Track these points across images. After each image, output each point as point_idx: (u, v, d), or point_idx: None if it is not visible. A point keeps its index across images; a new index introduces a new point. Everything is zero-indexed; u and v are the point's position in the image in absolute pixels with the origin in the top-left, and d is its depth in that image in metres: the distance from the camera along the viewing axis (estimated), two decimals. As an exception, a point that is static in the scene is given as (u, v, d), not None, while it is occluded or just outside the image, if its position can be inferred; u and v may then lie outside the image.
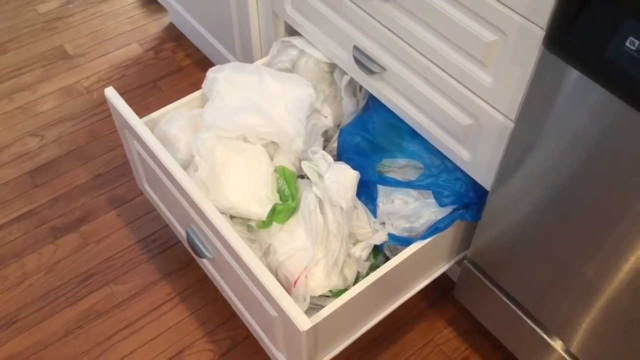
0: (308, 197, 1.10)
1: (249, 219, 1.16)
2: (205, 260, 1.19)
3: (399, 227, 1.11)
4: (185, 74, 1.85)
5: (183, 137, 1.21)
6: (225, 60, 1.67)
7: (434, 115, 1.05)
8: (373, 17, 1.05)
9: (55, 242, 1.47)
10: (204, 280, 1.39)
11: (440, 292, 1.36)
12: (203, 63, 1.87)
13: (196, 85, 1.80)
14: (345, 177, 1.05)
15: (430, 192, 1.11)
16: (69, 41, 1.95)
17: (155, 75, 1.85)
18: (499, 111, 0.92)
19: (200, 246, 1.13)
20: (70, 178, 1.60)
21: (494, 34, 0.86)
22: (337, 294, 1.10)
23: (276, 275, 1.09)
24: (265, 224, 1.12)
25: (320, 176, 1.09)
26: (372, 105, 1.22)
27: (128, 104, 1.20)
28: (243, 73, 1.21)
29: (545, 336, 1.05)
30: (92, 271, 1.42)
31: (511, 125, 0.91)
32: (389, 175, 1.14)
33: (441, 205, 1.08)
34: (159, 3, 2.03)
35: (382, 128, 1.17)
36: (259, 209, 1.14)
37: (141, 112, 1.28)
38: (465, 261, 1.16)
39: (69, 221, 1.51)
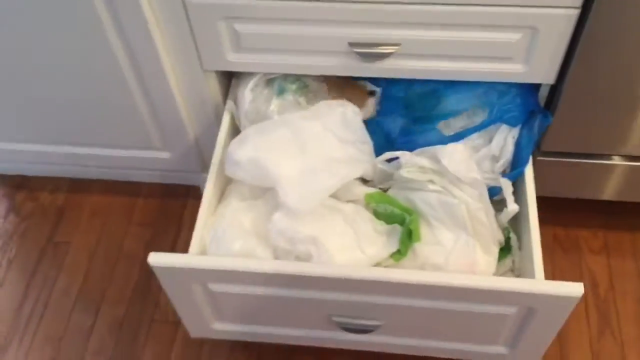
0: (427, 198, 1.03)
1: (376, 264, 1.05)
2: (364, 336, 1.06)
3: (494, 169, 1.11)
4: (72, 208, 1.52)
5: (253, 243, 1.02)
6: (135, 160, 1.39)
7: (473, 53, 1.04)
8: (372, 2, 0.98)
9: None
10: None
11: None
12: (78, 186, 1.55)
13: (95, 210, 1.51)
14: (458, 153, 1.00)
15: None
16: None
17: (43, 235, 1.48)
18: (559, 7, 0.95)
19: (365, 322, 1.00)
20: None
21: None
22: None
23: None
24: (403, 252, 1.03)
25: (428, 172, 1.03)
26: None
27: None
28: (271, 133, 1.04)
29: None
30: None
31: (575, 12, 0.95)
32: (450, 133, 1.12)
33: (515, 125, 1.10)
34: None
35: (413, 99, 1.12)
36: (376, 248, 1.04)
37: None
38: (538, 157, 1.21)
39: None
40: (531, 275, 0.96)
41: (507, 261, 1.09)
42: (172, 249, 1.43)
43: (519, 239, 1.09)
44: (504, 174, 1.11)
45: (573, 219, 1.41)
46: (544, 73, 1.06)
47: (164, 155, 1.36)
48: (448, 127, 1.12)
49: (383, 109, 1.13)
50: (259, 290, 0.99)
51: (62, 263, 1.42)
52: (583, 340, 1.25)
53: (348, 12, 1.00)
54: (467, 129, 1.10)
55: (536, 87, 1.13)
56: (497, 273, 1.09)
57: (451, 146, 1.02)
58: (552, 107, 1.13)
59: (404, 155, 1.05)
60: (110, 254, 1.43)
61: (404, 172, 1.04)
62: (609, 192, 1.27)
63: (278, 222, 1.01)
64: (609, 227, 1.39)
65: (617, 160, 1.19)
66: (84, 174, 1.52)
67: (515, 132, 1.11)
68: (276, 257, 1.02)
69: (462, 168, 1.00)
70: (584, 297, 1.31)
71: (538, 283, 0.89)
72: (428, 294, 0.93)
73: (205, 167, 1.40)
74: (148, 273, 1.40)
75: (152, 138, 1.32)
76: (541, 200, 1.28)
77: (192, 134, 1.30)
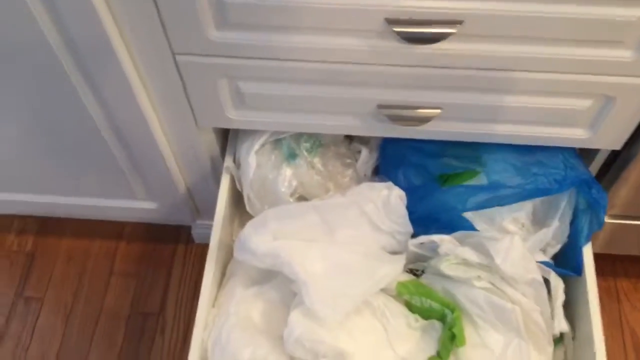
0: (472, 295, 0.86)
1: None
2: None
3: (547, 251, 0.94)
4: (44, 255, 1.32)
5: (266, 349, 0.85)
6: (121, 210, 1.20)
7: (530, 118, 0.86)
8: (411, 66, 0.78)
9: None
10: None
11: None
12: (49, 226, 1.35)
13: (71, 256, 1.32)
14: (516, 249, 0.83)
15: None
16: None
17: (10, 289, 1.28)
18: (645, 76, 0.77)
19: None
20: None
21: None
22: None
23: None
24: (444, 357, 0.86)
25: (475, 266, 0.86)
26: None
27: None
28: (296, 219, 0.87)
29: None
30: None
31: (664, 79, 0.78)
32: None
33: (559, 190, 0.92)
34: None
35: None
36: (410, 346, 0.88)
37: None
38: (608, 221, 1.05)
39: None
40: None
41: (559, 353, 0.95)
42: (162, 308, 1.25)
43: (574, 327, 0.95)
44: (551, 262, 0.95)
45: (612, 268, 1.26)
46: (611, 140, 0.89)
47: (150, 205, 1.17)
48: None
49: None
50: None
51: (35, 324, 1.24)
52: (627, 414, 1.14)
53: (379, 75, 0.81)
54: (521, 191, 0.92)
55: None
56: (548, 369, 0.95)
57: (507, 241, 0.84)
58: (611, 172, 0.96)
59: (442, 241, 0.88)
60: (90, 313, 1.25)
61: (444, 268, 0.87)
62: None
63: (295, 327, 0.84)
64: (652, 277, 1.26)
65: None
66: (58, 214, 1.32)
67: (569, 212, 0.94)
68: (294, 367, 0.86)
69: (521, 269, 0.83)
70: (627, 363, 1.18)
71: None
72: None
73: (199, 214, 1.22)
74: (135, 335, 1.24)
75: (135, 190, 1.12)
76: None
77: (184, 185, 1.11)
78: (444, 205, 0.92)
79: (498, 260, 0.83)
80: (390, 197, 0.91)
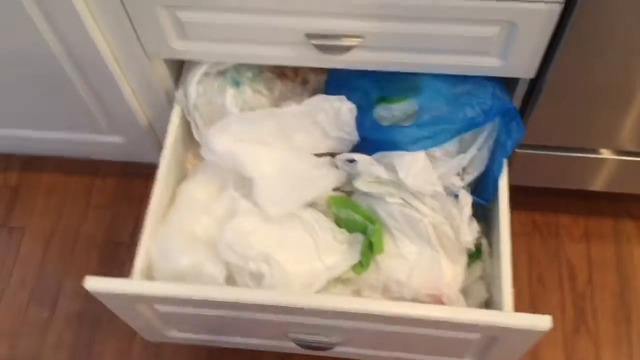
0: (389, 209, 0.95)
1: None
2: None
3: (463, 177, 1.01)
4: (27, 189, 1.43)
5: (203, 257, 0.95)
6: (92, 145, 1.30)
7: (445, 47, 0.93)
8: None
9: None
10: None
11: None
12: (31, 163, 1.46)
13: (51, 190, 1.43)
14: (418, 163, 0.91)
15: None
16: None
17: (-3, 217, 1.40)
18: (540, 1, 0.83)
19: (323, 339, 0.95)
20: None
21: None
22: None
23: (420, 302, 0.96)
24: (365, 264, 0.96)
25: (387, 184, 0.94)
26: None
27: None
28: (255, 124, 0.97)
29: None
30: None
31: (558, 7, 0.84)
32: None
33: (482, 123, 0.99)
34: None
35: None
36: (337, 258, 0.97)
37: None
38: (517, 151, 1.12)
39: None
40: (499, 303, 0.89)
41: (477, 267, 1.03)
42: (133, 235, 1.35)
43: (491, 244, 1.02)
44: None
45: (553, 204, 1.33)
46: (524, 67, 0.95)
47: (117, 139, 1.26)
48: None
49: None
50: (209, 312, 0.92)
51: (17, 252, 1.36)
52: (557, 336, 1.21)
53: (304, 2, 0.88)
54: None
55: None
56: (466, 281, 1.02)
57: (410, 156, 0.92)
58: (530, 101, 1.03)
59: (361, 160, 0.95)
60: (67, 240, 1.36)
61: (360, 185, 0.95)
62: (590, 183, 1.19)
63: (228, 234, 0.94)
64: (591, 213, 1.32)
65: (595, 154, 1.11)
66: (38, 151, 1.43)
67: (491, 142, 1.01)
68: (229, 272, 0.95)
69: (422, 181, 0.91)
70: (561, 291, 1.26)
71: (503, 316, 0.83)
72: (387, 321, 0.86)
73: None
74: (108, 261, 1.34)
75: (101, 123, 1.22)
76: (520, 187, 1.20)
77: (145, 118, 1.20)
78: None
79: (402, 174, 0.91)
80: (341, 109, 0.97)
